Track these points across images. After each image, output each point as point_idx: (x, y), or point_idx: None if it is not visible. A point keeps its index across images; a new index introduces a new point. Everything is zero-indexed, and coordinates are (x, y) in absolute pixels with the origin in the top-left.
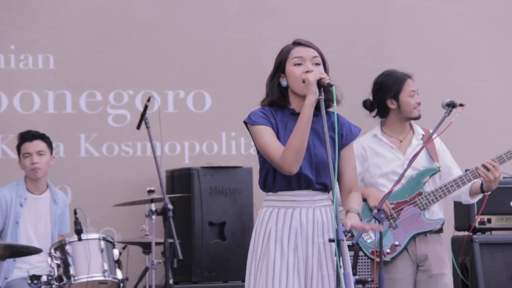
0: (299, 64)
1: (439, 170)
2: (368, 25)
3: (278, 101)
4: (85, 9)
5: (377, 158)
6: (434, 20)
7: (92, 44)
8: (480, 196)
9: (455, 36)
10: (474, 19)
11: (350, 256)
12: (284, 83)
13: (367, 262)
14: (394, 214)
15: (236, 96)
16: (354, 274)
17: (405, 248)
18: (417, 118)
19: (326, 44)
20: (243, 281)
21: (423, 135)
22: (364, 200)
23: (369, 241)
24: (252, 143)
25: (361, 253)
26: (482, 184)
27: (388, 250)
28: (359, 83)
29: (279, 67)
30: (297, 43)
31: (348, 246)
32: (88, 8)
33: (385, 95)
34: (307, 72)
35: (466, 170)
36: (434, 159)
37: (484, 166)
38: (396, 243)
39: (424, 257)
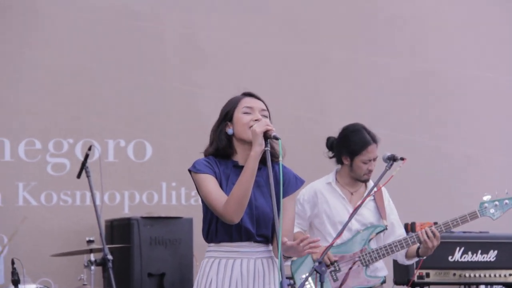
0: (248, 113)
1: (386, 229)
2: (304, 77)
3: (224, 149)
4: (24, 57)
5: (327, 206)
6: (369, 73)
7: (32, 92)
8: (416, 259)
9: (389, 90)
10: (407, 73)
11: None
12: (230, 131)
13: None
14: (337, 267)
15: (177, 146)
16: None
17: None
18: (364, 181)
19: (262, 94)
20: None
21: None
22: None
23: None
24: (193, 193)
25: None
26: (418, 248)
27: None
28: (294, 133)
29: (227, 115)
30: (247, 94)
31: None
32: (28, 56)
33: (343, 149)
34: (256, 120)
35: (409, 233)
36: (383, 217)
37: (426, 233)
38: None
39: None
